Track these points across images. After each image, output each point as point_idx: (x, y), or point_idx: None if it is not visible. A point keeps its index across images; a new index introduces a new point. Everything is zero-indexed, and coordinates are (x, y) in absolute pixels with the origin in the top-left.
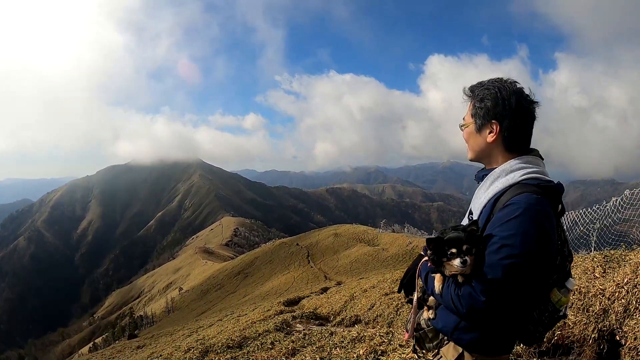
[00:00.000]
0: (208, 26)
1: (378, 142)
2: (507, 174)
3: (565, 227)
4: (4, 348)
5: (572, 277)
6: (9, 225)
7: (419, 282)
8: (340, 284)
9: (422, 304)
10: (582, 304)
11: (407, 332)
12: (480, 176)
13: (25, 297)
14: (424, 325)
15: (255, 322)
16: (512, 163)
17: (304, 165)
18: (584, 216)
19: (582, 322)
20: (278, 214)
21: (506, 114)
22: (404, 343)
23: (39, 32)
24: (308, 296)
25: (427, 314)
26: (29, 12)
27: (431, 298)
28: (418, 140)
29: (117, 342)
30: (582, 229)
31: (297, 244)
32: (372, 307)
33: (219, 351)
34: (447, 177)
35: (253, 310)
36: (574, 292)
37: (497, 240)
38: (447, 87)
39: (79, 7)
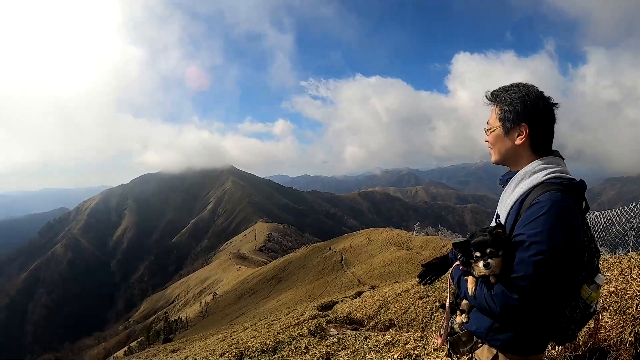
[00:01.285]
0: (229, 37)
1: (407, 143)
2: (530, 175)
3: (601, 226)
4: (40, 351)
5: (600, 273)
6: (47, 233)
7: (451, 286)
8: (374, 288)
9: (454, 308)
10: (619, 307)
11: (441, 337)
12: (505, 180)
13: (62, 303)
14: (457, 330)
15: (289, 327)
16: (535, 164)
17: (335, 170)
18: (620, 215)
19: (619, 325)
20: (311, 218)
21: (535, 117)
22: (438, 347)
23: (61, 49)
24: (342, 300)
25: (460, 318)
26: (48, 31)
27: (464, 302)
28: (447, 141)
29: (152, 345)
30: (618, 228)
31: (330, 249)
32: (406, 311)
33: (253, 355)
34: (480, 177)
35: (287, 314)
36: (611, 295)
37: (526, 238)
38: (474, 85)
39: (95, 23)
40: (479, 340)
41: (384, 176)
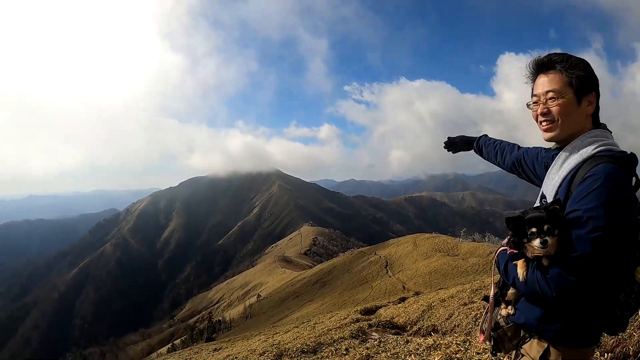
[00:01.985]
0: (266, 43)
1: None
2: (579, 149)
3: None
4: (86, 345)
5: None
6: (97, 232)
7: (495, 275)
8: (418, 295)
9: (499, 300)
10: None
11: (483, 334)
12: (550, 157)
13: (110, 299)
14: (502, 324)
15: (331, 330)
16: (583, 138)
17: (380, 174)
18: None
19: None
20: (357, 223)
21: (597, 85)
22: (481, 351)
23: (107, 58)
24: (385, 305)
25: (505, 311)
26: (97, 41)
27: (510, 292)
28: None
29: (195, 344)
30: None
31: (376, 254)
32: (450, 317)
33: (292, 355)
34: (529, 183)
35: (330, 318)
36: None
37: (581, 213)
38: (521, 87)
39: (136, 33)
40: (527, 335)
41: (431, 181)
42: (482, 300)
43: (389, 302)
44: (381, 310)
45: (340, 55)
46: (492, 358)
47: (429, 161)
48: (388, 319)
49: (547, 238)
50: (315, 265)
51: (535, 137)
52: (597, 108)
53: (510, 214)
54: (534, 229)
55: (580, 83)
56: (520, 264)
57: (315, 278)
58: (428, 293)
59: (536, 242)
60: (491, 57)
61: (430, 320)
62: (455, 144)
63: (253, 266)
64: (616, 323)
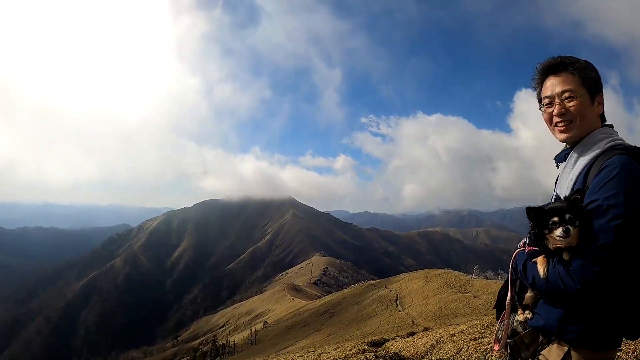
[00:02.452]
0: (281, 71)
1: (467, 183)
2: (592, 145)
3: None
4: (88, 356)
5: None
6: (108, 246)
7: (511, 279)
8: (427, 330)
9: (515, 305)
10: None
11: (498, 342)
12: (562, 157)
13: (116, 314)
14: (519, 330)
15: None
16: (594, 134)
17: (394, 207)
18: None
19: None
20: (368, 255)
21: (602, 87)
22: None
23: (129, 75)
24: (393, 339)
25: (523, 316)
26: (119, 57)
27: (528, 295)
28: (508, 182)
29: None
30: None
31: (386, 287)
32: (459, 351)
33: None
34: None
35: (336, 349)
36: None
37: (601, 202)
38: (537, 124)
39: (158, 54)
40: (545, 340)
41: (444, 216)
42: (494, 307)
43: (397, 336)
44: (389, 343)
45: (355, 86)
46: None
47: (443, 196)
48: (395, 352)
49: (569, 227)
50: (324, 296)
51: (550, 175)
52: (603, 109)
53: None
54: (555, 218)
55: (592, 83)
56: (540, 260)
57: (323, 308)
58: (438, 328)
59: (558, 232)
60: (508, 93)
61: (438, 354)
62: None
63: (262, 292)
64: (638, 324)
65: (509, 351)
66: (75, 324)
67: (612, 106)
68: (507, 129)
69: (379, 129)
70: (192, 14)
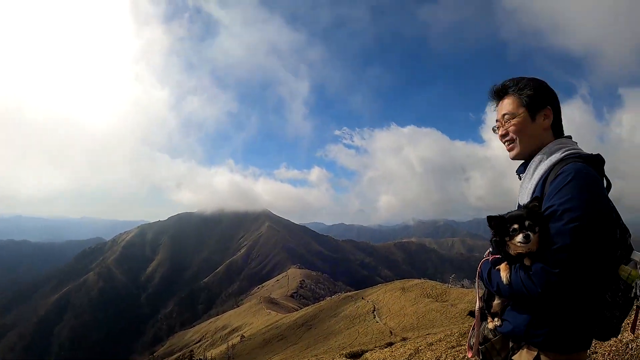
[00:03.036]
0: (250, 83)
1: (442, 193)
2: (548, 156)
3: None
4: None
5: (636, 250)
6: (82, 260)
7: (479, 289)
8: (405, 340)
9: (485, 314)
10: None
11: (471, 349)
12: (522, 169)
13: (90, 329)
14: (490, 336)
15: None
16: (551, 146)
17: (370, 219)
18: None
19: None
20: (345, 267)
21: (553, 99)
22: None
23: (100, 87)
24: (372, 350)
25: (492, 324)
26: (90, 69)
27: (495, 302)
28: (482, 191)
29: None
30: None
31: (363, 298)
32: (438, 359)
33: None
34: None
35: None
36: None
37: (557, 207)
38: None
39: (128, 65)
40: (515, 345)
41: (420, 227)
42: (467, 315)
43: (375, 347)
44: (367, 354)
45: (323, 98)
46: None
47: (418, 207)
48: None
49: (529, 233)
50: (301, 308)
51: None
52: (559, 120)
53: (492, 214)
54: (515, 226)
55: (530, 101)
56: (503, 267)
57: (301, 321)
58: (415, 338)
59: (519, 238)
60: (480, 105)
61: None
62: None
63: (238, 306)
64: (607, 326)
65: (481, 357)
66: (49, 340)
67: (582, 115)
68: (479, 140)
69: (352, 141)
70: (154, 27)
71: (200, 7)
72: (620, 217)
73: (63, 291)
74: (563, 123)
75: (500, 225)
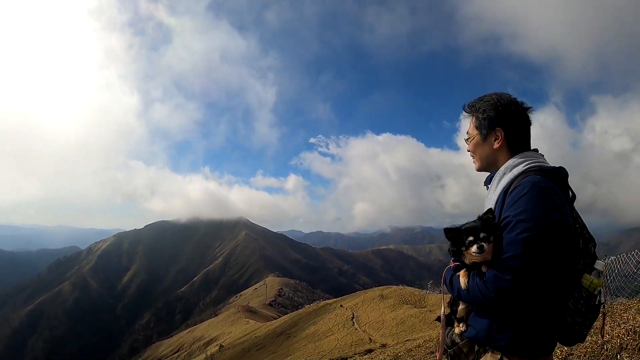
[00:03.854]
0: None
1: (417, 200)
2: (511, 169)
3: (615, 271)
4: None
5: (599, 260)
6: (55, 269)
7: (446, 296)
8: (385, 346)
9: (451, 319)
10: (637, 344)
11: (439, 352)
12: (488, 180)
13: (65, 340)
14: (457, 341)
15: None
16: (514, 159)
17: (348, 227)
18: (635, 257)
19: None
20: (323, 275)
21: (508, 120)
22: None
23: (68, 94)
24: (351, 357)
25: (458, 329)
26: (59, 74)
27: (460, 308)
28: (457, 198)
29: None
30: (628, 269)
31: (342, 306)
32: None
33: None
34: None
35: None
36: (628, 333)
37: (511, 218)
38: None
39: (98, 72)
40: (481, 350)
41: (398, 234)
42: (435, 320)
43: (355, 354)
44: None
45: (292, 107)
46: None
47: (394, 214)
48: None
49: (483, 244)
50: (280, 317)
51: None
52: (519, 136)
53: (448, 227)
54: (471, 238)
55: (480, 124)
56: (462, 273)
57: (280, 329)
58: (395, 344)
59: (473, 249)
60: (455, 113)
61: None
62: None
63: (216, 315)
64: (570, 332)
65: None
66: (22, 353)
67: (555, 122)
68: (455, 147)
69: (328, 149)
70: (115, 34)
71: (152, 15)
72: (585, 227)
73: (37, 302)
74: (538, 132)
75: (456, 236)
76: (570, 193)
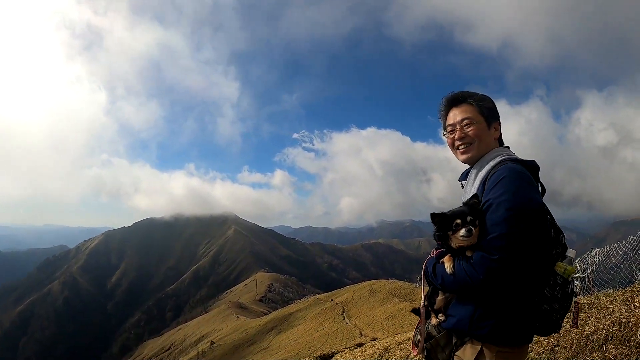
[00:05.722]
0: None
1: (403, 195)
2: (488, 162)
3: (597, 261)
4: None
5: (570, 248)
6: (45, 269)
7: (424, 288)
8: (375, 340)
9: (429, 312)
10: (622, 335)
11: (416, 347)
12: (464, 176)
13: (56, 341)
14: (434, 333)
15: None
16: (490, 153)
17: (336, 221)
18: (617, 249)
19: (624, 354)
20: (313, 270)
21: (498, 115)
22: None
23: (40, 91)
24: (342, 351)
25: (435, 320)
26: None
27: (439, 298)
28: (443, 192)
29: None
30: (614, 261)
31: (332, 300)
32: (406, 358)
33: None
34: None
35: None
36: (614, 324)
37: (492, 201)
38: None
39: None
40: (459, 341)
41: (387, 228)
42: (411, 312)
43: (345, 348)
44: (337, 356)
45: (298, 103)
46: None
47: (385, 209)
48: None
49: (471, 227)
50: (270, 312)
51: None
52: (501, 134)
53: (435, 212)
54: (458, 221)
55: (488, 112)
56: (447, 258)
57: (270, 325)
58: (385, 338)
59: (462, 232)
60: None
61: None
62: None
63: (207, 312)
64: (547, 320)
65: (425, 354)
66: (14, 354)
67: (541, 116)
68: (441, 142)
69: (312, 144)
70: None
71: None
72: (554, 219)
73: (27, 302)
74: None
75: (443, 221)
76: (540, 187)
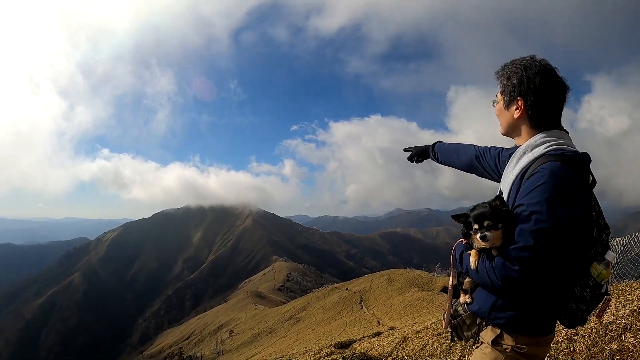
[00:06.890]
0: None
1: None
2: (532, 148)
3: (619, 251)
4: None
5: (611, 250)
6: (65, 261)
7: (454, 267)
8: (393, 329)
9: (458, 290)
10: None
11: (445, 320)
12: (507, 155)
13: (77, 331)
14: (461, 312)
15: None
16: (537, 138)
17: (354, 210)
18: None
19: None
20: (331, 259)
21: (530, 92)
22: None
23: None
24: (360, 339)
25: (463, 298)
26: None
27: (467, 280)
28: (451, 181)
29: None
30: (637, 251)
31: (349, 289)
32: (425, 347)
33: None
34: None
35: (303, 353)
36: (633, 314)
37: (525, 208)
38: (472, 123)
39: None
40: (484, 323)
41: (405, 217)
42: (440, 291)
43: (363, 337)
44: (355, 344)
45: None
46: (451, 343)
47: (401, 198)
48: (363, 352)
49: (486, 233)
50: (288, 301)
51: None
52: (536, 110)
53: (456, 213)
54: (476, 226)
55: (505, 90)
56: (472, 253)
57: (288, 314)
58: (403, 327)
59: (478, 236)
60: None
61: (404, 351)
62: (412, 156)
63: (225, 301)
64: (572, 316)
65: (452, 330)
66: (36, 345)
67: None
68: (448, 128)
69: (316, 135)
70: None
71: None
72: (601, 215)
73: (48, 294)
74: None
75: (465, 222)
76: (591, 178)
